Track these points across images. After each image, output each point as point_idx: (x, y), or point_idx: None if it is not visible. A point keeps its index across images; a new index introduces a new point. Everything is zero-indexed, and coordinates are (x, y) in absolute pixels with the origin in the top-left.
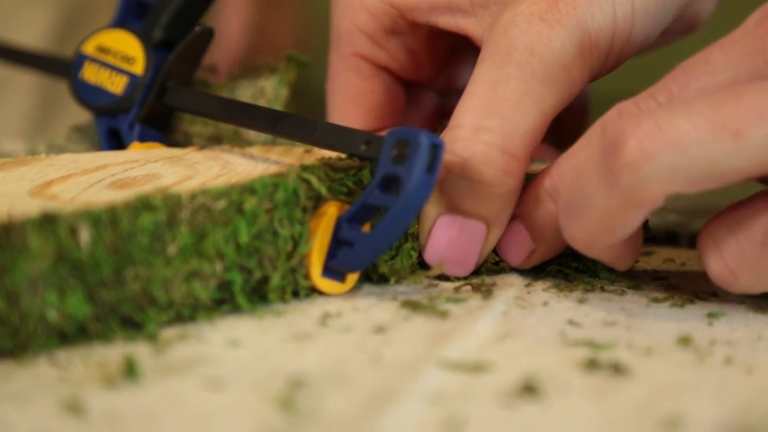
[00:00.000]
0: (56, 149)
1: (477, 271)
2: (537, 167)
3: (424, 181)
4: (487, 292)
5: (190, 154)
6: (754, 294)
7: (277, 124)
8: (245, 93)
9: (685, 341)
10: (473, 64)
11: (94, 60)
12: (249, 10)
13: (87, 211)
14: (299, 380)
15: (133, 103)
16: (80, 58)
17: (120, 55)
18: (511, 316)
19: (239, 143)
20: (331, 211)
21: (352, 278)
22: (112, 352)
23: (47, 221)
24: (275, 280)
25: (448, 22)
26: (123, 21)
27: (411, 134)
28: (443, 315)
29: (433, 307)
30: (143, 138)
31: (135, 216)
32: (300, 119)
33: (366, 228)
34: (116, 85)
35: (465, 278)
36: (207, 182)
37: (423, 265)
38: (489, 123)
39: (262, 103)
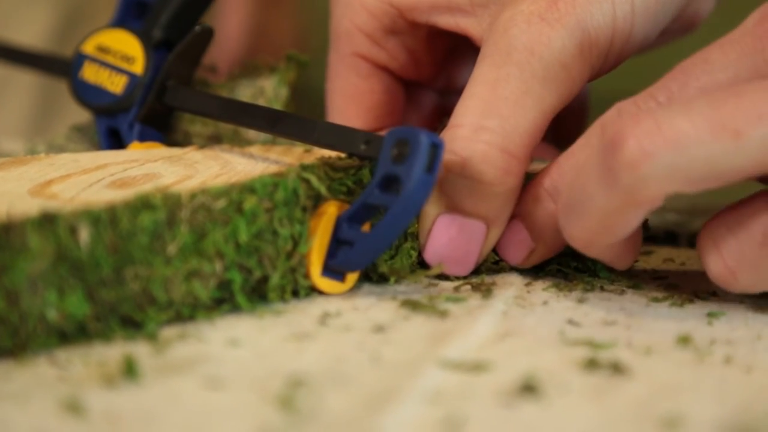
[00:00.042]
0: (56, 149)
1: (477, 271)
2: (537, 166)
3: (424, 181)
4: (486, 291)
5: (189, 153)
6: (754, 293)
7: (276, 124)
8: (245, 92)
9: (684, 341)
10: (473, 64)
11: (93, 60)
12: (249, 10)
13: (87, 210)
14: (299, 380)
15: (132, 103)
16: (80, 58)
17: (120, 55)
18: (510, 316)
19: (239, 143)
20: (331, 211)
21: (352, 278)
22: (111, 352)
23: (47, 221)
24: (275, 279)
25: (447, 21)
26: (123, 20)
27: (411, 134)
28: (443, 314)
29: (433, 307)
30: (143, 137)
31: (135, 215)
32: (300, 119)
33: (366, 227)
34: (116, 84)
35: (465, 278)
36: (207, 182)
37: (423, 264)
38: (489, 122)
39: (261, 102)
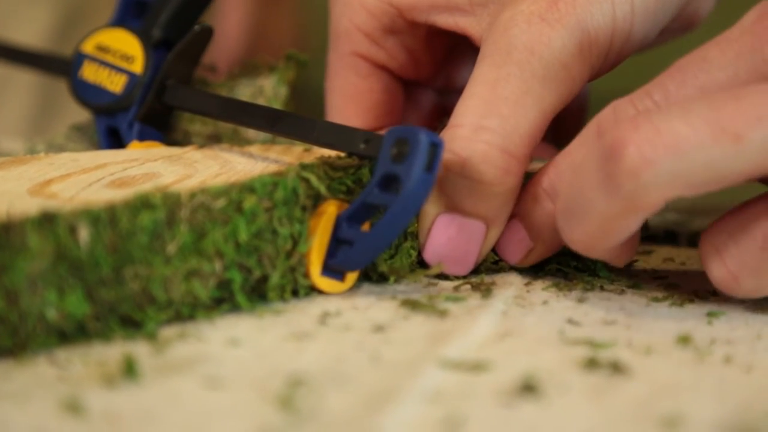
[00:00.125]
0: (55, 148)
1: (476, 270)
2: (536, 165)
3: (424, 180)
4: (486, 291)
5: (189, 152)
6: (756, 298)
7: (276, 123)
8: (244, 92)
9: (684, 340)
10: (472, 63)
11: (93, 59)
12: (248, 9)
13: (86, 210)
14: (299, 379)
15: (132, 102)
16: (79, 57)
17: (119, 54)
18: (510, 315)
19: (238, 142)
20: (331, 210)
21: (352, 277)
22: (111, 351)
23: (46, 220)
24: (275, 278)
25: (446, 21)
26: (122, 20)
27: (410, 133)
28: (442, 314)
29: (433, 306)
30: (142, 137)
31: (134, 215)
32: (299, 118)
33: (365, 227)
34: (115, 84)
35: (464, 277)
36: (206, 181)
37: (422, 264)
38: (489, 122)
39: (261, 101)
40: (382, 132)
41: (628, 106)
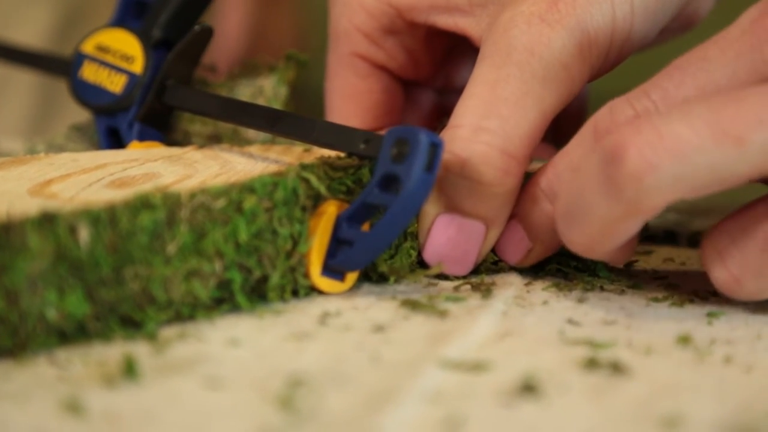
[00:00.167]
0: (55, 148)
1: (476, 271)
2: (536, 166)
3: (424, 180)
4: (486, 291)
5: (189, 153)
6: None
7: (276, 123)
8: (244, 92)
9: (684, 340)
10: (471, 63)
11: (93, 59)
12: (248, 9)
13: (86, 210)
14: (299, 379)
15: (132, 102)
16: (79, 57)
17: (119, 54)
18: (510, 315)
19: (238, 142)
20: (331, 210)
21: (352, 277)
22: (111, 352)
23: (46, 220)
24: (275, 279)
25: (446, 21)
26: (122, 20)
27: (410, 133)
28: (443, 314)
29: (433, 307)
30: (142, 137)
31: (134, 215)
32: (299, 118)
33: (365, 227)
34: (115, 84)
35: (464, 277)
36: (206, 181)
37: (422, 264)
38: (489, 123)
39: (261, 101)
40: (382, 132)
41: (626, 105)
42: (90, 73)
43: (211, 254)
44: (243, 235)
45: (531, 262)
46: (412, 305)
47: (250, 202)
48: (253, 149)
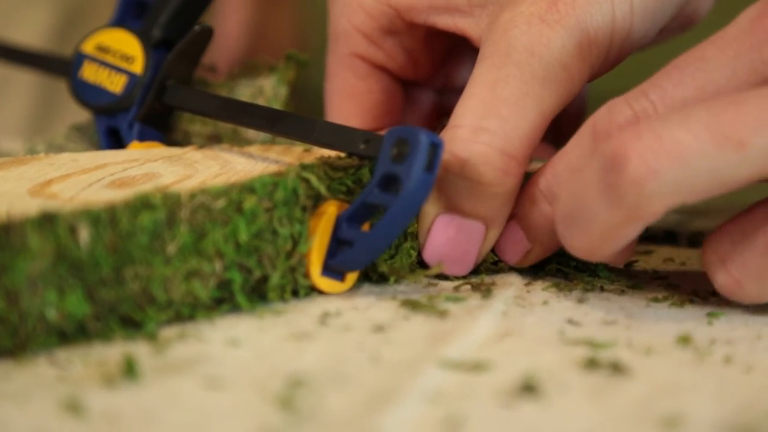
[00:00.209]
0: (55, 148)
1: (476, 271)
2: (535, 166)
3: (424, 180)
4: (486, 291)
5: (189, 153)
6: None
7: (276, 123)
8: (244, 92)
9: (684, 340)
10: (471, 63)
11: (93, 59)
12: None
13: (86, 210)
14: (299, 379)
15: (132, 102)
16: (79, 58)
17: (119, 55)
18: (510, 316)
19: (238, 142)
20: (331, 210)
21: (352, 277)
22: (111, 352)
23: (46, 220)
24: (275, 279)
25: (445, 22)
26: (122, 20)
27: (410, 133)
28: (443, 314)
29: (433, 307)
30: (142, 137)
31: (134, 215)
32: (299, 118)
33: (365, 227)
34: (115, 84)
35: (464, 277)
36: (206, 181)
37: (422, 264)
38: (488, 123)
39: (261, 102)
40: (382, 132)
41: (624, 106)
42: (90, 73)
43: (211, 254)
44: (243, 236)
45: (530, 263)
46: (412, 305)
47: (250, 202)
48: (253, 149)
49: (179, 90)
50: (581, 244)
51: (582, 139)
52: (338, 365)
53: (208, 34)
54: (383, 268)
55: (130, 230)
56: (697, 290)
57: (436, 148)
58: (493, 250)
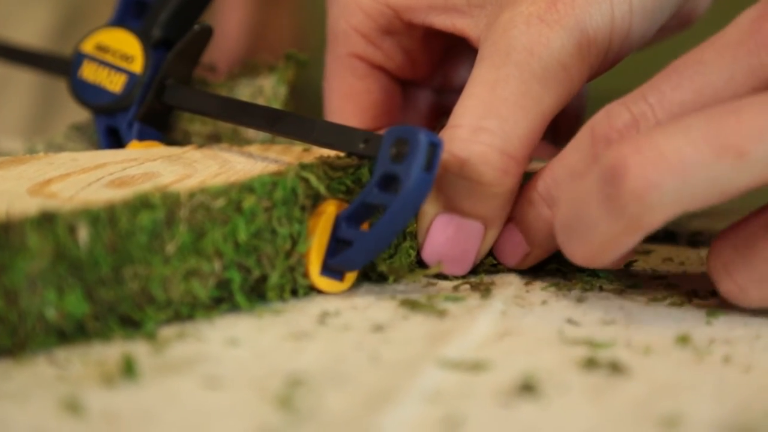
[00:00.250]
0: (55, 148)
1: (475, 271)
2: (535, 165)
3: (423, 180)
4: (485, 291)
5: (188, 152)
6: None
7: (275, 123)
8: (244, 91)
9: (683, 340)
10: (469, 63)
11: (93, 59)
12: (248, 9)
13: (86, 209)
14: (298, 379)
15: (131, 102)
16: (79, 57)
17: (119, 54)
18: (509, 315)
19: (238, 142)
20: (330, 210)
21: (351, 277)
22: (110, 351)
23: (46, 220)
24: (274, 278)
25: (444, 22)
26: (122, 20)
27: (409, 132)
28: (442, 314)
29: (432, 306)
30: (142, 136)
31: (134, 214)
32: (299, 118)
33: (365, 227)
34: (115, 83)
35: (463, 277)
36: (206, 181)
37: (421, 263)
38: (488, 123)
39: (260, 101)
40: (381, 132)
41: (623, 109)
42: (90, 72)
43: (211, 254)
44: (242, 235)
45: (529, 265)
46: (411, 305)
47: (249, 201)
48: (253, 149)
49: (179, 89)
50: (581, 253)
51: (580, 143)
52: (337, 365)
53: (207, 33)
54: (382, 267)
55: (130, 230)
56: (696, 290)
57: (435, 147)
58: (491, 254)
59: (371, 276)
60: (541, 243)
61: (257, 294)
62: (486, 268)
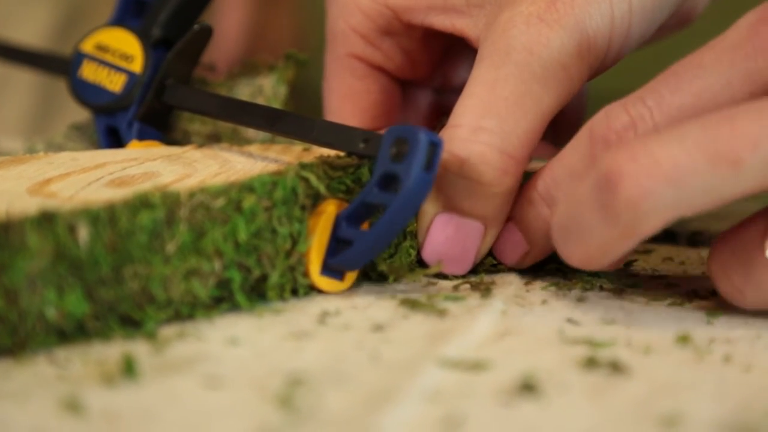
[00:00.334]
0: (55, 147)
1: (475, 271)
2: (535, 165)
3: (423, 179)
4: (485, 290)
5: (188, 152)
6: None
7: (275, 123)
8: (244, 91)
9: (683, 339)
10: (469, 63)
11: (92, 58)
12: (247, 9)
13: (86, 209)
14: (298, 378)
15: (131, 102)
16: (79, 57)
17: (119, 54)
18: (509, 315)
19: (238, 141)
20: (330, 210)
21: (351, 276)
22: (110, 351)
23: (46, 219)
24: (274, 278)
25: (443, 22)
26: (122, 19)
27: (409, 132)
28: (442, 313)
29: (432, 306)
30: (142, 136)
31: (134, 214)
32: (298, 117)
33: (365, 226)
34: (115, 83)
35: (463, 277)
36: (206, 180)
37: (422, 263)
38: (487, 123)
39: (260, 101)
40: (381, 132)
41: (621, 111)
42: (89, 72)
43: (211, 253)
44: (242, 234)
45: (528, 264)
46: (411, 304)
47: (249, 201)
48: (253, 148)
49: (179, 89)
50: (577, 256)
51: (579, 143)
52: (337, 364)
53: (207, 33)
54: (382, 267)
55: (130, 229)
56: (696, 289)
57: (435, 147)
58: (491, 254)
59: (371, 275)
60: (540, 242)
61: (257, 293)
62: (486, 267)
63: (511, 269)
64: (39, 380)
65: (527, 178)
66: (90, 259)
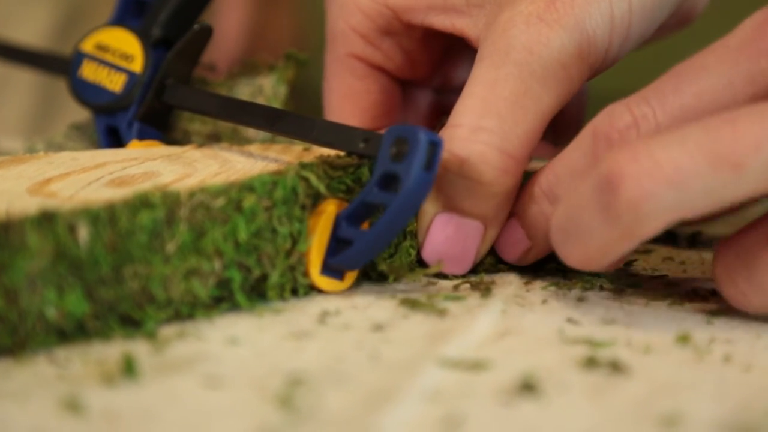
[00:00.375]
0: (55, 147)
1: (475, 270)
2: (535, 165)
3: (423, 179)
4: (485, 290)
5: (188, 152)
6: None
7: (275, 122)
8: (244, 91)
9: (683, 339)
10: (469, 62)
11: (92, 58)
12: (247, 8)
13: (86, 208)
14: (298, 378)
15: (131, 101)
16: (79, 56)
17: (119, 53)
18: (509, 314)
19: (238, 141)
20: (330, 209)
21: (351, 276)
22: (110, 350)
23: (46, 219)
24: (274, 277)
25: (443, 22)
26: (122, 19)
27: (409, 132)
28: (442, 313)
29: (432, 305)
30: (142, 136)
31: (134, 214)
32: (298, 117)
33: (365, 226)
34: (115, 83)
35: (463, 276)
36: (206, 180)
37: (422, 263)
38: (487, 123)
39: (260, 101)
40: (381, 131)
41: (624, 110)
42: (89, 72)
43: (211, 253)
44: (242, 234)
45: (529, 261)
46: (411, 304)
47: (249, 200)
48: (253, 148)
49: (179, 89)
50: (576, 256)
51: (582, 142)
52: (337, 364)
53: (207, 33)
54: (382, 266)
55: (130, 229)
56: (696, 290)
57: (435, 146)
58: (493, 253)
59: (371, 275)
60: (542, 239)
61: (257, 293)
62: (486, 267)
63: (511, 269)
64: (39, 380)
65: (527, 177)
66: (90, 258)
